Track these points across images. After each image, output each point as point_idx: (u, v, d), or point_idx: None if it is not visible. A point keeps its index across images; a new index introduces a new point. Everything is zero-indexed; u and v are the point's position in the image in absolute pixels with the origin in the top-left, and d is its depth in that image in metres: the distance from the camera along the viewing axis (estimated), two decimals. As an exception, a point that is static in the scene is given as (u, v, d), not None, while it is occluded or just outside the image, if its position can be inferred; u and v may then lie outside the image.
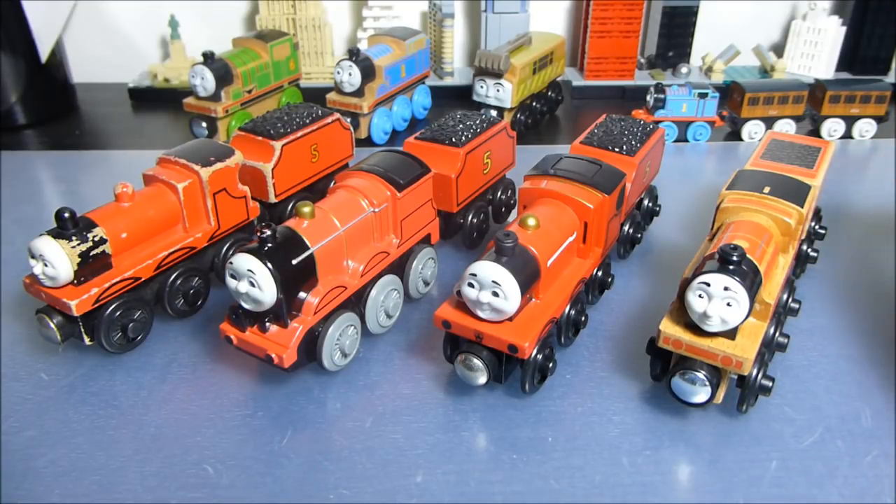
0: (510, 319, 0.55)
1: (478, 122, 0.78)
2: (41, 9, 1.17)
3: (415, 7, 1.40)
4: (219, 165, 0.67)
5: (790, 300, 0.63)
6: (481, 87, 1.10)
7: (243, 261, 0.53)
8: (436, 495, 0.50)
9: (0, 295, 0.72)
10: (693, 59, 1.39)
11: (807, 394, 0.59)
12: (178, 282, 0.66)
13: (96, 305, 0.60)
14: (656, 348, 0.55)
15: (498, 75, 1.08)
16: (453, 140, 0.73)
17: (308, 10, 1.28)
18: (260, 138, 0.74)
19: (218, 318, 0.65)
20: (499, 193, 0.82)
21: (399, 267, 0.67)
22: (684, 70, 1.35)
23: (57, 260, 0.57)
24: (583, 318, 0.63)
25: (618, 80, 1.33)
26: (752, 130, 1.12)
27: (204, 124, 1.06)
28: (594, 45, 1.31)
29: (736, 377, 0.55)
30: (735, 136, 1.13)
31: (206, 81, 1.02)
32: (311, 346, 0.57)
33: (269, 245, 0.54)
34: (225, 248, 0.71)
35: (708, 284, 0.50)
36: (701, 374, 0.53)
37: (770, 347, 0.58)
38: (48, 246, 0.58)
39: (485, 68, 1.08)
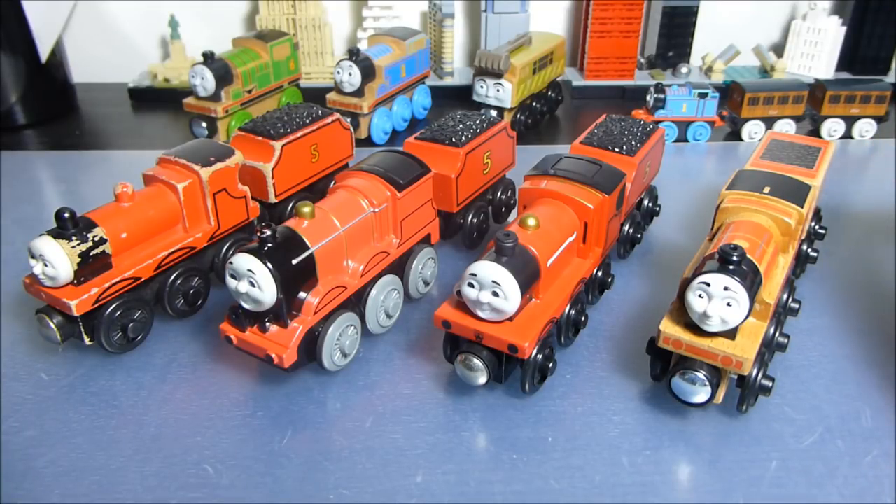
0: (510, 319, 0.55)
1: (478, 122, 0.78)
2: (41, 9, 1.17)
3: (415, 7, 1.40)
4: (219, 165, 0.67)
5: (790, 300, 0.63)
6: (481, 87, 1.10)
7: (243, 261, 0.53)
8: (436, 495, 0.50)
9: (0, 295, 0.72)
10: (693, 59, 1.39)
11: (807, 394, 0.59)
12: (178, 282, 0.66)
13: (96, 305, 0.60)
14: (656, 348, 0.55)
15: (498, 75, 1.08)
16: (453, 140, 0.73)
17: (308, 10, 1.28)
18: (260, 138, 0.74)
19: (218, 318, 0.65)
20: (499, 193, 0.82)
21: (399, 267, 0.67)
22: (684, 70, 1.35)
23: (57, 260, 0.57)
24: (583, 318, 0.63)
25: (618, 80, 1.33)
26: (752, 130, 1.12)
27: (204, 124, 1.06)
28: (594, 45, 1.31)
29: (736, 377, 0.55)
30: (735, 136, 1.13)
31: (206, 81, 1.02)
32: (311, 346, 0.57)
33: (269, 245, 0.54)
34: (225, 248, 0.71)
35: (708, 284, 0.50)
36: (701, 374, 0.53)
37: (770, 347, 0.58)
38: (48, 246, 0.58)
39: (485, 68, 1.08)
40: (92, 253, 0.59)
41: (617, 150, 0.72)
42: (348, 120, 0.88)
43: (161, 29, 1.39)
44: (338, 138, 0.82)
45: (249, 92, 1.08)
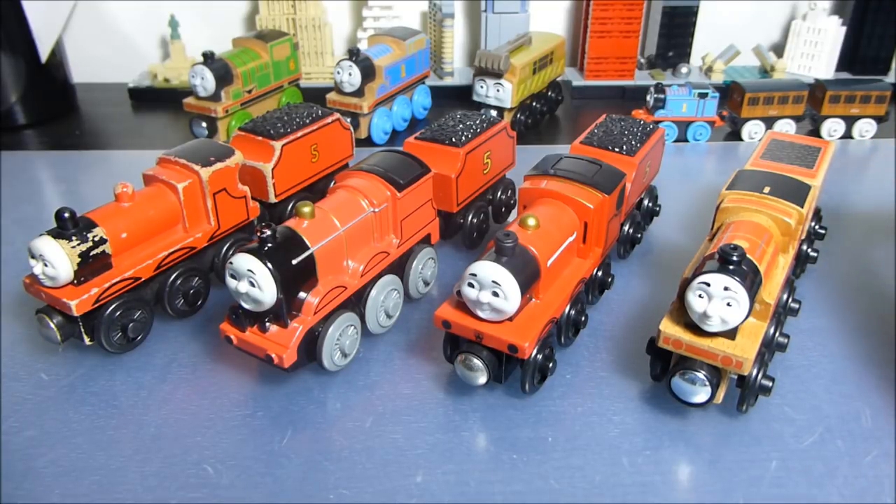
0: (510, 319, 0.55)
1: (478, 122, 0.78)
2: (41, 9, 1.17)
3: (415, 7, 1.40)
4: (219, 165, 0.67)
5: (790, 300, 0.63)
6: (481, 87, 1.10)
7: (243, 261, 0.53)
8: (436, 495, 0.50)
9: (0, 295, 0.72)
10: (693, 59, 1.39)
11: (807, 394, 0.59)
12: (178, 282, 0.66)
13: (96, 305, 0.60)
14: (656, 348, 0.55)
15: (498, 75, 1.08)
16: (453, 140, 0.73)
17: (308, 10, 1.28)
18: (260, 138, 0.74)
19: (218, 318, 0.65)
20: (499, 193, 0.82)
21: (399, 267, 0.67)
22: (684, 70, 1.35)
23: (57, 260, 0.57)
24: (583, 318, 0.63)
25: (618, 80, 1.33)
26: (752, 130, 1.12)
27: (204, 124, 1.06)
28: (594, 45, 1.31)
29: (736, 377, 0.55)
30: (735, 136, 1.13)
31: (206, 81, 1.02)
32: (311, 346, 0.57)
33: (269, 245, 0.54)
34: (225, 248, 0.71)
35: (708, 284, 0.50)
36: (701, 374, 0.53)
37: (770, 347, 0.58)
38: (48, 246, 0.58)
39: (485, 68, 1.08)
40: (92, 253, 0.59)
41: (617, 150, 0.72)
42: (348, 120, 0.88)
43: (161, 29, 1.39)
44: (338, 138, 0.82)
45: (249, 92, 1.08)
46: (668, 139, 1.11)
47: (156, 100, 1.30)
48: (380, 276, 0.64)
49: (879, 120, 1.12)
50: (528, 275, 0.54)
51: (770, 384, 0.54)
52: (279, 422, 0.56)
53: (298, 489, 0.50)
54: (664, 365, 0.57)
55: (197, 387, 0.60)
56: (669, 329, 0.53)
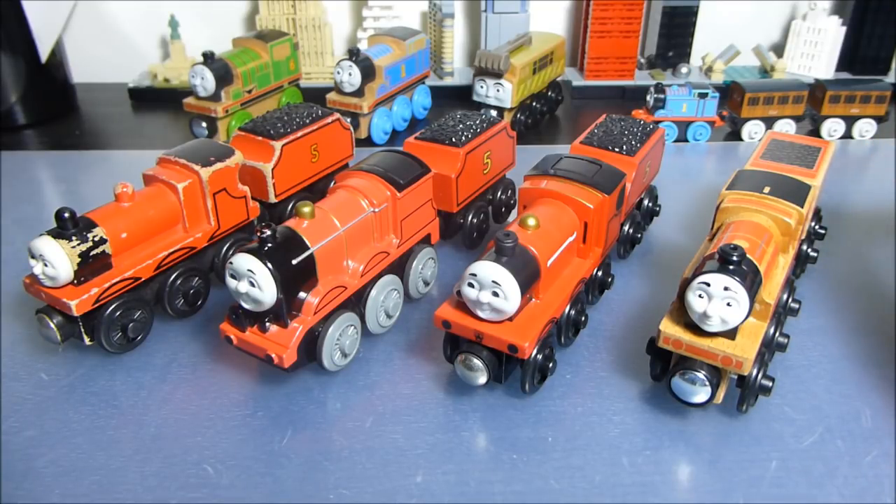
0: (510, 319, 0.55)
1: (478, 122, 0.78)
2: (41, 9, 1.17)
3: (415, 7, 1.40)
4: (219, 165, 0.67)
5: (790, 300, 0.63)
6: (481, 87, 1.10)
7: (243, 261, 0.53)
8: (436, 495, 0.50)
9: (0, 295, 0.72)
10: (693, 59, 1.39)
11: (807, 394, 0.59)
12: (178, 282, 0.66)
13: (96, 305, 0.60)
14: (656, 348, 0.55)
15: (498, 75, 1.08)
16: (453, 140, 0.73)
17: (308, 10, 1.28)
18: (260, 138, 0.74)
19: (218, 318, 0.65)
20: (499, 193, 0.82)
21: (399, 267, 0.67)
22: (684, 70, 1.35)
23: (57, 260, 0.57)
24: (583, 318, 0.63)
25: (618, 80, 1.33)
26: (752, 130, 1.12)
27: (204, 124, 1.06)
28: (594, 45, 1.31)
29: (736, 377, 0.55)
30: (735, 136, 1.13)
31: (206, 81, 1.02)
32: (311, 346, 0.57)
33: (269, 245, 0.54)
34: (225, 248, 0.71)
35: (708, 284, 0.50)
36: (701, 374, 0.53)
37: (770, 347, 0.58)
38: (48, 246, 0.58)
39: (485, 68, 1.08)
40: (92, 253, 0.59)
41: (617, 150, 0.72)
42: (348, 120, 0.88)
43: (161, 29, 1.39)
44: (338, 138, 0.82)
45: (249, 92, 1.08)
46: (668, 139, 1.11)
47: (156, 100, 1.30)
48: (380, 276, 0.64)
49: (879, 120, 1.12)
50: (528, 275, 0.54)
51: (770, 384, 0.54)
52: (279, 422, 0.56)
53: (298, 489, 0.50)
54: (664, 365, 0.57)
55: (197, 387, 0.60)
56: (669, 329, 0.53)
